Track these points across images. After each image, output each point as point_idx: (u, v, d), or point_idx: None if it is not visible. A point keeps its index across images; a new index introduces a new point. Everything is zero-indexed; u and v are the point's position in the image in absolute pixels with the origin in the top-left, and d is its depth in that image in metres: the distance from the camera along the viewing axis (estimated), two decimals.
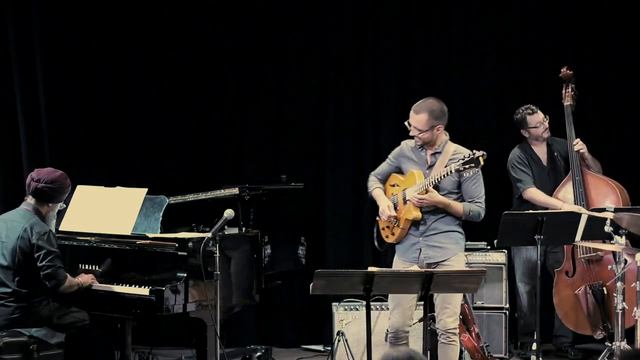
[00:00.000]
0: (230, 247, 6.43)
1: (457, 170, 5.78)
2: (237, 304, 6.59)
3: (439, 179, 5.90)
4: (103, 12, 7.94)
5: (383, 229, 6.23)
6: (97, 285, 6.21)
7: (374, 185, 6.29)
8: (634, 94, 7.97)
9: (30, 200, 6.04)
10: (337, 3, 8.15)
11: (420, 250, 6.03)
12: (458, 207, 5.99)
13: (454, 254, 6.03)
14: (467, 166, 5.73)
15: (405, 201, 6.04)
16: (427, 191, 5.91)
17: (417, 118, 6.01)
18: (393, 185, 6.22)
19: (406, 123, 6.08)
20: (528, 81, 8.11)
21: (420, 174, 6.02)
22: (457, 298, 6.03)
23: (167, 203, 6.48)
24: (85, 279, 6.14)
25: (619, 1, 7.97)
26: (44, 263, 5.86)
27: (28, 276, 5.91)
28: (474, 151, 5.79)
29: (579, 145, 7.27)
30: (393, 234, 6.12)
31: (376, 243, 6.29)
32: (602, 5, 7.99)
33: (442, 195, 5.97)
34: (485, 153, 5.77)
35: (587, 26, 8.02)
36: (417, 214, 5.97)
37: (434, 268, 5.87)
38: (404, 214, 6.03)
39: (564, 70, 7.44)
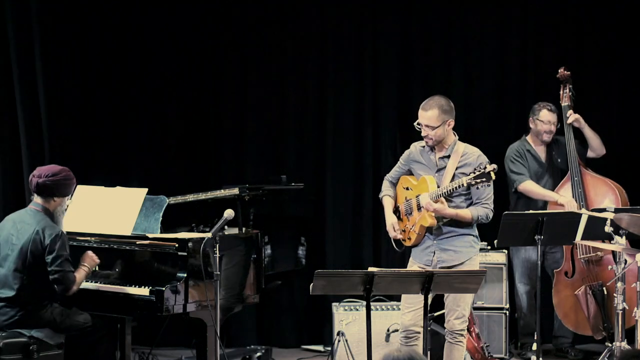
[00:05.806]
0: (230, 247, 6.42)
1: (469, 184, 5.77)
2: (237, 304, 6.59)
3: (451, 191, 5.87)
4: (103, 12, 7.94)
5: (400, 232, 6.21)
6: (98, 286, 6.21)
7: (384, 191, 6.27)
8: (633, 94, 7.97)
9: (36, 199, 5.98)
10: (338, 2, 8.15)
11: (434, 253, 6.01)
12: (466, 215, 5.94)
13: (468, 257, 5.99)
14: (478, 180, 5.73)
15: (419, 207, 6.01)
16: (437, 202, 5.88)
17: (428, 115, 5.95)
18: (406, 189, 6.17)
19: (416, 124, 6.03)
20: (528, 81, 8.11)
21: (432, 180, 5.98)
22: (466, 300, 6.00)
23: (167, 203, 6.47)
24: (88, 261, 6.02)
25: (618, 1, 7.97)
26: (52, 267, 5.80)
27: (36, 279, 5.86)
28: (486, 165, 5.77)
29: (572, 117, 7.32)
30: (410, 239, 6.11)
31: (394, 245, 6.25)
32: (602, 5, 7.98)
33: (453, 197, 5.95)
34: (496, 167, 5.76)
35: (587, 26, 8.02)
36: (432, 221, 5.95)
37: None
38: (420, 220, 6.00)
39: (561, 70, 7.44)
